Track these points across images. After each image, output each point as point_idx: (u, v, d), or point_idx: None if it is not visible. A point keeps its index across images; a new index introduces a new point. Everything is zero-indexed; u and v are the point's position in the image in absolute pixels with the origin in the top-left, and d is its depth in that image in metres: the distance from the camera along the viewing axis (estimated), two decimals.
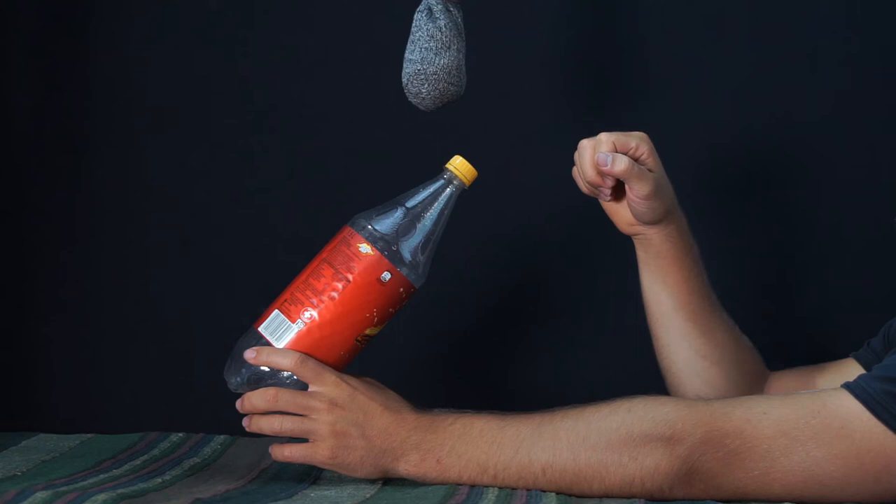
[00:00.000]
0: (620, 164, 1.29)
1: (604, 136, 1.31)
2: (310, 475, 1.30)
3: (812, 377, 1.41)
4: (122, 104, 1.71)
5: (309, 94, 1.70)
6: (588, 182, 1.33)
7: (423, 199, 1.25)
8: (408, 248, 1.24)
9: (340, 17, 1.69)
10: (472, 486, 1.20)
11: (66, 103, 1.71)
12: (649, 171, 1.31)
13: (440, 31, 1.35)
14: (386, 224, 1.24)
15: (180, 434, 1.48)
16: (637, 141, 1.31)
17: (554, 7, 1.67)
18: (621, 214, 1.36)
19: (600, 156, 1.30)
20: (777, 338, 1.48)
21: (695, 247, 1.38)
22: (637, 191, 1.31)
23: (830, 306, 1.66)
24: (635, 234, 1.37)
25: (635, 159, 1.31)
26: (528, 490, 1.18)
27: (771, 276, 1.68)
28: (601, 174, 1.31)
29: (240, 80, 1.71)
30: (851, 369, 1.37)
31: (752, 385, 1.41)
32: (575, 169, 1.34)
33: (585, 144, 1.32)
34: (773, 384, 1.43)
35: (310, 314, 1.23)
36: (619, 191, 1.34)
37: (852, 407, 1.13)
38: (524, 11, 1.66)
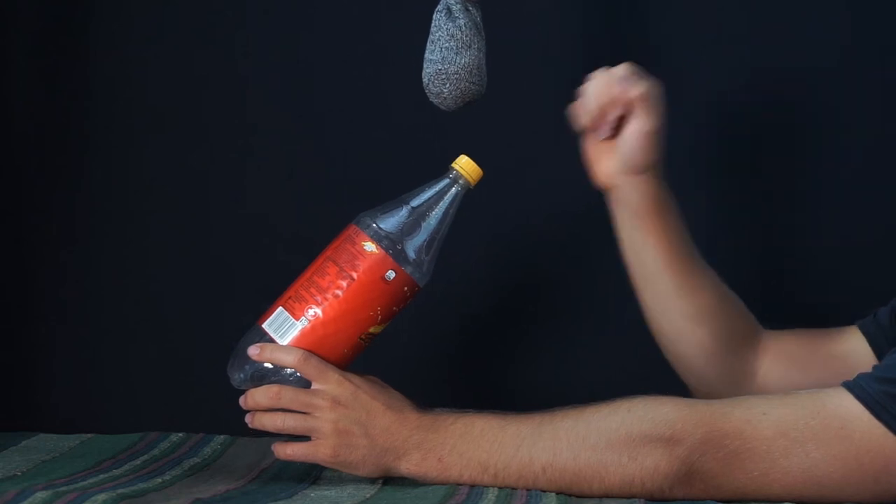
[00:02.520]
0: (640, 86, 1.29)
1: (622, 66, 1.31)
2: (310, 475, 1.30)
3: (813, 341, 1.40)
4: (122, 104, 1.71)
5: (309, 94, 1.69)
6: (590, 113, 1.32)
7: (429, 198, 1.25)
8: (412, 246, 1.24)
9: (340, 17, 1.69)
10: (473, 486, 1.20)
11: (66, 103, 1.71)
12: None
13: (460, 30, 1.35)
14: (391, 222, 1.24)
15: (180, 434, 1.48)
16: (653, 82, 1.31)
17: (554, 7, 1.67)
18: (604, 162, 1.35)
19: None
20: None
21: (673, 201, 1.36)
22: (644, 123, 1.30)
23: (831, 306, 1.65)
24: (612, 187, 1.35)
25: None
26: (528, 490, 1.19)
27: (770, 275, 1.68)
28: (607, 106, 1.30)
29: (240, 80, 1.70)
30: (854, 339, 1.37)
31: (742, 345, 1.39)
32: (577, 103, 1.33)
33: (598, 74, 1.32)
34: (771, 344, 1.41)
35: (314, 311, 1.22)
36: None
37: (852, 407, 1.13)
38: (524, 11, 1.66)
